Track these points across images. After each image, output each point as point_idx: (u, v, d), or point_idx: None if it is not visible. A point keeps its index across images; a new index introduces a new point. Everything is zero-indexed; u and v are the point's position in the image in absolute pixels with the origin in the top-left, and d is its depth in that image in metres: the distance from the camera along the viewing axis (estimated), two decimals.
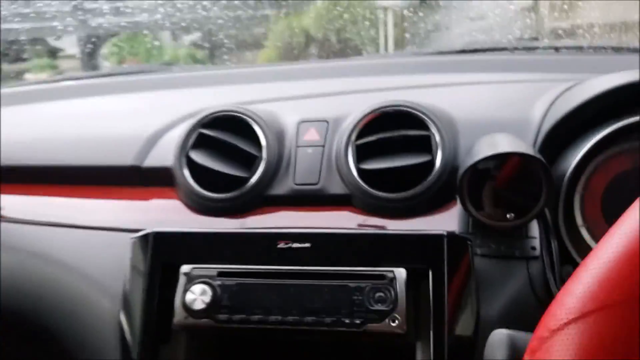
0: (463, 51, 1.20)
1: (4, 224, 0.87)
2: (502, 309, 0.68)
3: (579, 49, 1.18)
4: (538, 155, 0.67)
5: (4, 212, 0.89)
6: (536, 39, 1.27)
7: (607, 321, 0.34)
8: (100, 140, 0.93)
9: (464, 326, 0.67)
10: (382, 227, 0.77)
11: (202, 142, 0.84)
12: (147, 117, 0.96)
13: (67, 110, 1.08)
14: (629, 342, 0.34)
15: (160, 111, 0.97)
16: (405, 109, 0.79)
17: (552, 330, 0.36)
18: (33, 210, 0.89)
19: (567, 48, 1.18)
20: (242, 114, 0.84)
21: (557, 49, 1.17)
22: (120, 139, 0.92)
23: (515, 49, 1.19)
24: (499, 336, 0.47)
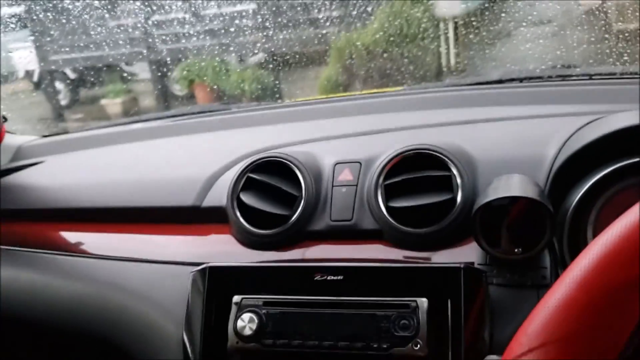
0: (500, 81, 1.26)
1: (84, 259, 1.03)
2: (514, 334, 0.75)
3: (612, 75, 1.22)
4: (542, 200, 0.73)
5: (86, 249, 1.05)
6: (569, 66, 1.31)
7: (547, 356, 0.43)
8: (165, 183, 1.07)
9: (479, 349, 0.75)
10: (410, 259, 0.86)
11: (250, 185, 0.95)
12: (206, 159, 1.09)
13: (138, 153, 1.23)
14: None
15: (217, 153, 1.09)
16: (426, 151, 0.88)
17: (516, 355, 0.45)
18: (109, 247, 1.03)
19: (601, 75, 1.22)
20: (284, 159, 0.95)
21: (591, 76, 1.21)
22: (183, 182, 1.05)
23: (550, 77, 1.24)
24: None
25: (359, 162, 0.94)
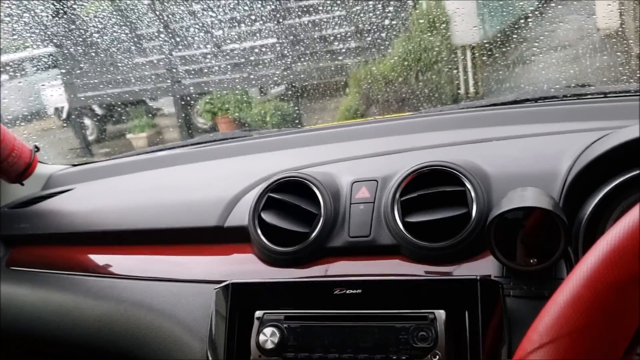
0: (515, 102, 1.29)
1: (112, 280, 1.06)
2: None
3: (627, 92, 1.23)
4: (556, 210, 0.75)
5: (114, 270, 1.08)
6: (584, 85, 1.33)
7: (557, 350, 0.44)
8: (189, 205, 1.10)
9: None
10: (428, 273, 0.87)
11: (271, 204, 0.98)
12: (228, 182, 1.13)
13: (162, 178, 1.28)
14: None
15: (239, 176, 1.13)
16: (441, 168, 0.90)
17: (527, 352, 0.46)
18: (135, 267, 1.07)
19: (615, 93, 1.23)
20: (303, 178, 0.98)
21: (605, 94, 1.22)
22: (206, 204, 1.08)
23: (565, 96, 1.26)
24: None
25: (375, 180, 0.97)
